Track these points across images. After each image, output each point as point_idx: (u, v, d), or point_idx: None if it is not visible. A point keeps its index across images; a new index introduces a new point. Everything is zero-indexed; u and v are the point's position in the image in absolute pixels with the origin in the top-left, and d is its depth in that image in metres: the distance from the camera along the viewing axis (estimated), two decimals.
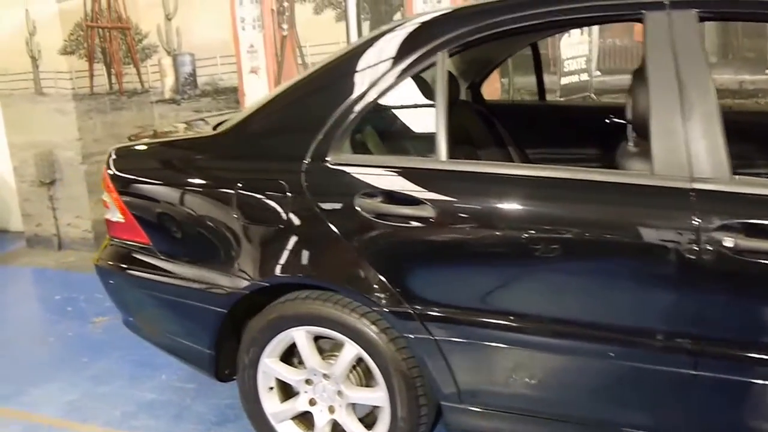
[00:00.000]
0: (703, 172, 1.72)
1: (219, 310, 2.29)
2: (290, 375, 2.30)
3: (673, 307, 1.76)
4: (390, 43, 2.12)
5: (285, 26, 4.88)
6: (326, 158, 2.10)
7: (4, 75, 5.07)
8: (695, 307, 1.74)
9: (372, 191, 2.03)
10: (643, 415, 1.87)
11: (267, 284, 2.20)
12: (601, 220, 1.82)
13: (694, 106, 1.74)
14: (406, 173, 2.03)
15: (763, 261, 1.65)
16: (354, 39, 4.72)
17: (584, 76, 4.25)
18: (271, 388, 2.36)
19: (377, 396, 2.18)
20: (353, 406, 2.28)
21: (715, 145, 1.72)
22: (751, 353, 1.70)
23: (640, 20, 1.85)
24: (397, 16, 4.60)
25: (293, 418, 2.37)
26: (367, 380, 2.24)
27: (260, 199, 2.18)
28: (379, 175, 2.06)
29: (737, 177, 1.72)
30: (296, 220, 2.12)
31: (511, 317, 1.92)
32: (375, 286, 2.04)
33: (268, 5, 4.90)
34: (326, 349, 2.29)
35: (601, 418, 1.93)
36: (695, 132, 1.73)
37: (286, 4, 4.84)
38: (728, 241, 1.67)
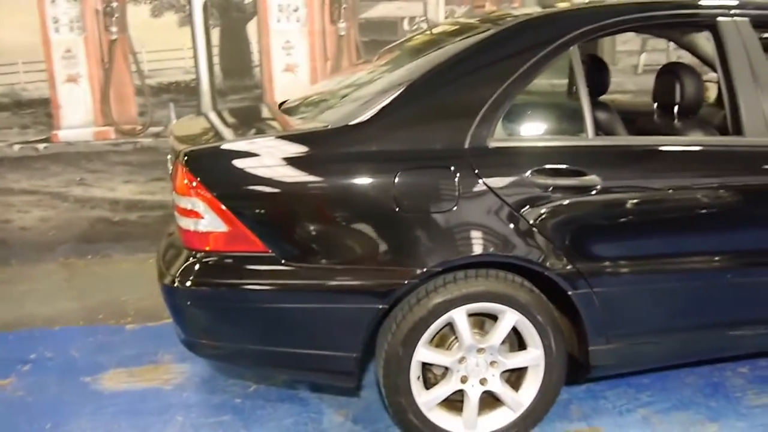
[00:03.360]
0: None
1: (377, 307, 2.29)
2: (447, 357, 2.41)
3: None
4: (529, 33, 2.43)
5: (114, 29, 4.47)
6: (487, 141, 2.31)
7: None
8: None
9: (543, 168, 2.32)
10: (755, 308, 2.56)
11: (440, 269, 2.30)
12: (720, 173, 2.44)
13: (760, 87, 2.47)
14: (567, 150, 2.38)
15: None
16: (202, 46, 4.57)
17: None
18: (418, 377, 2.43)
19: (533, 356, 2.44)
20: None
21: None
22: None
23: (714, 26, 2.52)
24: (252, 24, 4.60)
25: (439, 403, 2.47)
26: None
27: (426, 186, 2.28)
28: (545, 154, 2.36)
29: None
30: (469, 202, 2.28)
31: (662, 259, 2.42)
32: (547, 252, 2.33)
33: (92, 5, 4.44)
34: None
35: (733, 321, 2.55)
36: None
37: (115, 4, 4.44)
38: None
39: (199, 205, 2.26)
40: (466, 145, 2.30)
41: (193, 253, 2.33)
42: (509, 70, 2.36)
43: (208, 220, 2.27)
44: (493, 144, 2.31)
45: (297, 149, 2.32)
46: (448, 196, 2.26)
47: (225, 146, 2.41)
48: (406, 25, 4.71)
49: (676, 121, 2.70)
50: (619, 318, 2.45)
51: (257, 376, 3.02)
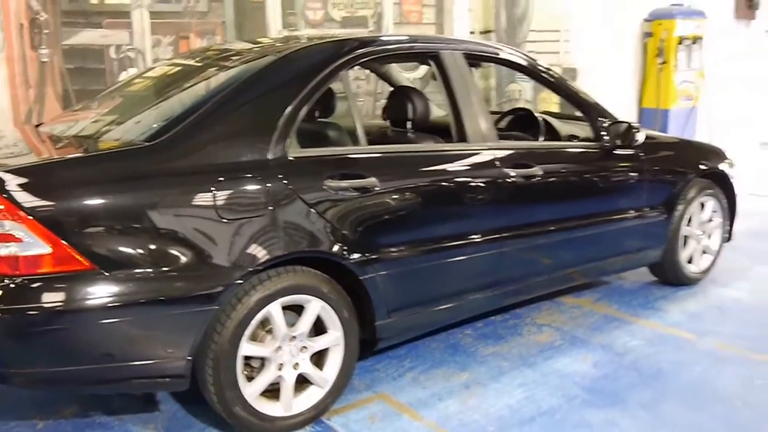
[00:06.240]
0: (490, 140, 3.34)
1: (209, 308, 2.55)
2: (266, 348, 2.75)
3: (501, 212, 3.32)
4: (306, 60, 2.95)
5: None
6: (286, 153, 2.76)
7: None
8: (507, 210, 3.35)
9: (334, 173, 2.83)
10: (491, 278, 3.38)
11: (261, 268, 2.65)
12: (458, 171, 3.22)
13: (475, 103, 3.34)
14: (349, 158, 2.94)
15: (523, 181, 3.39)
16: None
17: None
18: (243, 372, 2.72)
19: (335, 337, 2.90)
20: None
21: (491, 126, 3.37)
22: (534, 229, 3.44)
23: (438, 57, 3.32)
24: None
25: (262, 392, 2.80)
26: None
27: (240, 195, 2.62)
28: (334, 162, 2.88)
29: (502, 141, 3.42)
30: (278, 207, 2.68)
31: (428, 242, 3.11)
32: (344, 245, 2.84)
33: None
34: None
35: (473, 288, 3.32)
36: (482, 120, 3.33)
37: None
38: (512, 172, 3.35)
39: (14, 228, 2.28)
40: (270, 156, 2.69)
41: (4, 278, 2.30)
42: (296, 91, 2.82)
43: (26, 243, 2.29)
44: (291, 155, 2.74)
45: (115, 166, 2.49)
46: (260, 203, 2.64)
47: (36, 165, 2.44)
48: (113, 54, 4.80)
49: (409, 133, 3.42)
50: (397, 295, 3.04)
51: (42, 411, 2.95)
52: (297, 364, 2.83)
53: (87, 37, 4.70)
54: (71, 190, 2.38)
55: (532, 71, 3.77)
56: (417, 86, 4.51)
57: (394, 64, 4.52)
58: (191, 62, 3.45)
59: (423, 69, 5.46)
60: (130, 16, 4.81)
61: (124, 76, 4.81)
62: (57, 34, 4.58)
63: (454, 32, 6.49)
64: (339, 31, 5.71)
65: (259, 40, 4.21)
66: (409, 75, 5.20)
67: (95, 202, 2.40)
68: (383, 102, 3.71)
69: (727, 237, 4.62)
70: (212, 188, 2.55)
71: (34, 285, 2.32)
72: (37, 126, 3.15)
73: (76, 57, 4.66)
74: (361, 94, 5.79)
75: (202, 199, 2.54)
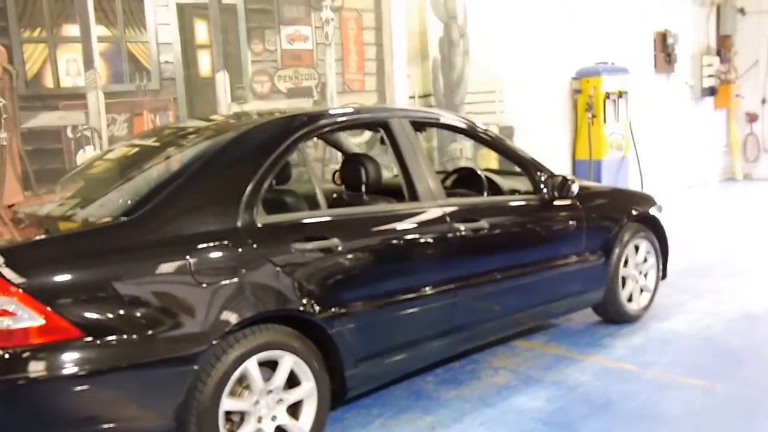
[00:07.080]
0: (439, 198, 3.70)
1: (190, 368, 2.77)
2: (245, 403, 2.97)
3: (454, 264, 3.65)
4: (264, 134, 3.26)
5: None
6: (254, 220, 3.05)
7: None
8: (458, 262, 3.69)
9: (300, 236, 3.13)
10: (446, 325, 3.68)
11: (236, 328, 2.90)
12: (412, 229, 3.55)
13: (423, 165, 3.71)
14: (312, 222, 3.24)
15: (472, 234, 3.74)
16: None
17: None
18: (225, 426, 2.94)
19: (308, 388, 3.14)
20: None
21: (438, 185, 3.73)
22: (484, 279, 3.78)
23: (387, 125, 3.68)
24: None
25: None
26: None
27: (214, 261, 2.89)
28: (298, 226, 3.18)
29: (450, 198, 3.78)
30: (251, 270, 2.95)
31: (389, 295, 3.40)
32: (313, 302, 3.12)
33: None
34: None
35: (432, 336, 3.62)
36: (431, 180, 3.69)
37: None
38: (461, 227, 3.70)
39: (7, 303, 2.49)
40: (239, 224, 2.98)
41: None
42: (258, 163, 3.12)
43: (19, 316, 2.51)
44: (260, 222, 3.03)
45: (98, 241, 2.74)
46: (233, 267, 2.90)
47: (24, 243, 2.68)
48: (69, 133, 5.04)
49: (364, 196, 3.75)
50: (364, 346, 3.31)
51: None
52: (275, 416, 3.06)
53: (44, 119, 4.93)
54: (60, 265, 2.61)
55: (472, 133, 4.17)
56: (363, 149, 4.86)
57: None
58: (151, 142, 3.74)
59: (368, 134, 5.84)
60: (86, 97, 5.07)
61: (81, 155, 5.04)
62: (15, 119, 4.80)
63: (395, 98, 6.92)
64: (286, 102, 6.07)
65: (211, 117, 4.53)
66: (355, 140, 5.56)
67: (83, 275, 2.64)
68: (332, 167, 4.03)
69: (662, 275, 5.04)
70: (188, 256, 2.81)
71: (26, 355, 2.51)
72: (10, 206, 3.36)
73: (34, 139, 4.87)
74: (310, 161, 6.11)
75: (179, 266, 2.79)
